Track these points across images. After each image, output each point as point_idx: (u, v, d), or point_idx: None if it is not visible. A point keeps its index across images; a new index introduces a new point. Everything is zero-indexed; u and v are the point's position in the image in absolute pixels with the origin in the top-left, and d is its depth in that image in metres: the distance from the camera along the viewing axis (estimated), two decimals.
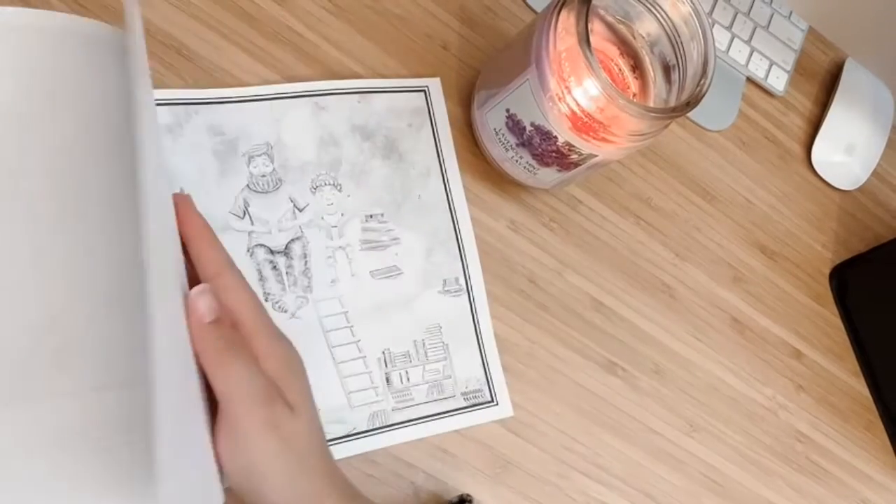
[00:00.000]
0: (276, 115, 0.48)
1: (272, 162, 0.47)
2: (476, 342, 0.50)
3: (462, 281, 0.51)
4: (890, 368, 0.64)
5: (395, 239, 0.50)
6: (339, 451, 0.45)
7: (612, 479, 0.52)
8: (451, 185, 0.52)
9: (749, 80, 0.67)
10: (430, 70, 0.54)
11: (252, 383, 0.33)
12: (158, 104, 0.45)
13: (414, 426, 0.47)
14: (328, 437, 0.45)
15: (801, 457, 0.60)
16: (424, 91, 0.53)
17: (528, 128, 0.46)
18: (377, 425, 0.46)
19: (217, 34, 0.48)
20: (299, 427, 0.34)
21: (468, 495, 0.45)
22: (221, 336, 0.33)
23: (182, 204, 0.36)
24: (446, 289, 0.50)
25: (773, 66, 0.67)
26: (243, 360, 0.33)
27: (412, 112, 0.52)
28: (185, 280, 0.35)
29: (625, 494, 0.52)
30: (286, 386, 0.34)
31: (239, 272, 0.36)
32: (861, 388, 0.65)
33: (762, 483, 0.58)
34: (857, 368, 0.65)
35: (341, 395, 0.46)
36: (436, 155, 0.52)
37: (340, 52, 0.51)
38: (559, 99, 0.43)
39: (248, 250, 0.46)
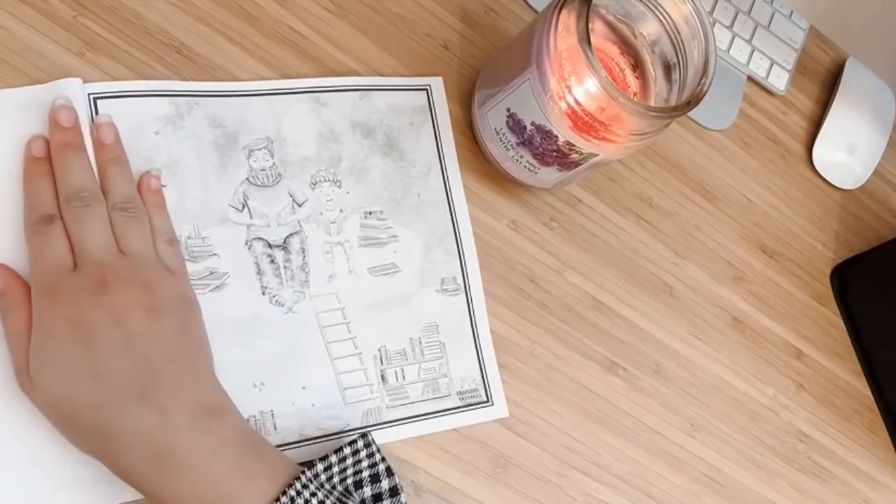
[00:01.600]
0: (278, 110, 0.48)
1: (272, 156, 0.47)
2: (473, 342, 0.50)
3: (460, 280, 0.51)
4: (891, 368, 0.64)
5: (393, 236, 0.50)
6: (333, 447, 0.45)
7: (612, 479, 0.52)
8: (451, 185, 0.52)
9: (750, 79, 0.67)
10: (430, 70, 0.54)
11: (11, 352, 0.38)
12: (160, 95, 0.45)
13: (408, 424, 0.47)
14: (323, 433, 0.45)
15: (803, 456, 0.60)
16: (427, 90, 0.53)
17: (529, 127, 0.46)
18: (371, 422, 0.46)
19: (217, 34, 0.48)
20: (37, 399, 0.36)
21: (365, 436, 0.43)
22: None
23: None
24: (444, 287, 0.50)
25: (774, 66, 0.67)
26: (7, 331, 0.38)
27: (414, 110, 0.52)
28: None
29: (625, 494, 0.52)
30: (30, 352, 0.36)
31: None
32: (862, 387, 0.65)
33: (763, 483, 0.58)
34: (859, 368, 0.65)
35: (336, 391, 0.46)
36: (436, 154, 0.52)
37: (341, 52, 0.51)
38: (560, 98, 0.43)
39: (247, 243, 0.46)
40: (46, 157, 0.40)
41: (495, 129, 0.49)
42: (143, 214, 0.41)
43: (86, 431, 0.36)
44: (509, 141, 0.49)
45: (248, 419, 0.43)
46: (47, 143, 0.40)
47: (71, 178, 0.39)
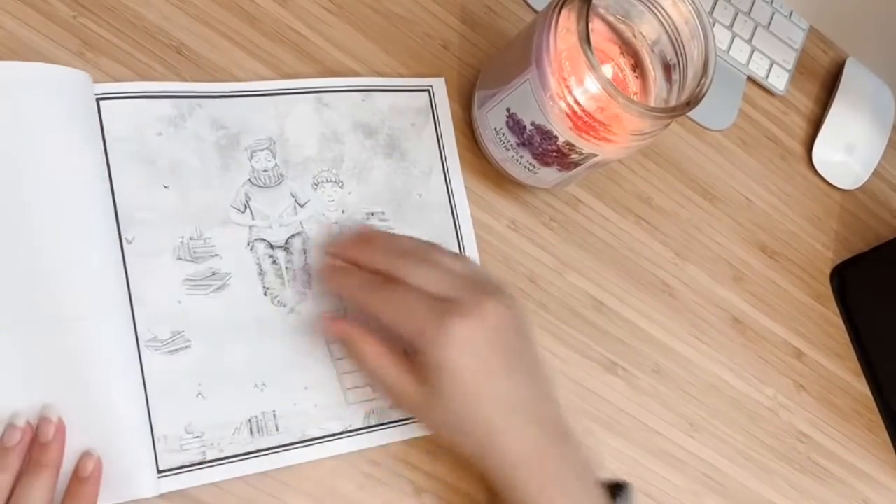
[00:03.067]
0: (280, 111, 0.48)
1: (274, 157, 0.47)
2: None
3: None
4: (891, 368, 0.64)
5: None
6: (335, 448, 0.45)
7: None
8: (452, 185, 0.52)
9: (750, 79, 0.67)
10: (430, 70, 0.54)
11: None
12: (162, 96, 0.45)
13: (410, 424, 0.47)
14: (325, 433, 0.45)
15: (803, 457, 0.60)
16: (428, 90, 0.53)
17: (529, 127, 0.46)
18: (373, 423, 0.46)
19: (218, 34, 0.48)
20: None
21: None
22: None
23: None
24: None
25: (774, 66, 0.67)
26: None
27: (416, 111, 0.52)
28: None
29: None
30: None
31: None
32: (862, 387, 0.65)
33: (763, 483, 0.58)
34: (858, 368, 0.65)
35: (338, 392, 0.46)
36: (438, 154, 0.52)
37: (341, 52, 0.51)
38: (560, 98, 0.43)
39: (249, 244, 0.46)
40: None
41: (495, 129, 0.49)
42: None
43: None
44: (509, 141, 0.49)
45: (250, 419, 0.43)
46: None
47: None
